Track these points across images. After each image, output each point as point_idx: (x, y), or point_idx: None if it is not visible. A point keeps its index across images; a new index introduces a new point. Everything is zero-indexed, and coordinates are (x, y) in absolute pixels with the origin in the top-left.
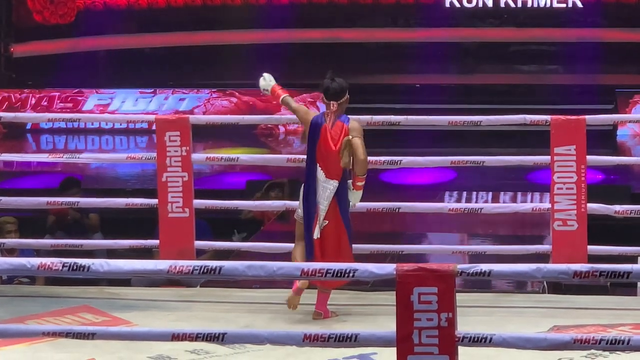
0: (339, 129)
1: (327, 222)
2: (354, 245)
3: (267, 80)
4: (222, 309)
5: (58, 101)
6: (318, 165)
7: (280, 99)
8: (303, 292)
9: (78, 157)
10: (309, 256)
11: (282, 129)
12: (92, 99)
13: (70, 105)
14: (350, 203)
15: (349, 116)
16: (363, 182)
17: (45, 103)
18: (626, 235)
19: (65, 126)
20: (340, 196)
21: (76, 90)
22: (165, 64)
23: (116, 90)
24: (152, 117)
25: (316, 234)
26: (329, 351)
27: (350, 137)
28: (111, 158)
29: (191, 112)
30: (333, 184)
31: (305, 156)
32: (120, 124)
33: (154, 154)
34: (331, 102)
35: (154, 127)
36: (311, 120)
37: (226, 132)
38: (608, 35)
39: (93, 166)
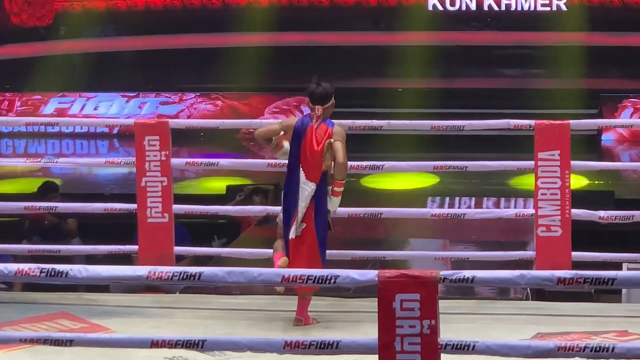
0: (323, 131)
1: (305, 225)
2: (334, 252)
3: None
4: (202, 316)
5: (19, 104)
6: (300, 166)
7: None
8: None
9: (56, 162)
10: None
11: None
12: (52, 103)
13: (30, 109)
14: (332, 211)
15: (333, 121)
16: (341, 189)
17: (5, 107)
18: (611, 241)
19: (25, 130)
20: (318, 200)
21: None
22: (144, 67)
23: (87, 93)
24: (131, 121)
25: (292, 234)
26: (310, 358)
27: (333, 140)
28: (89, 162)
29: (176, 116)
30: (311, 186)
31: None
32: (81, 128)
33: (133, 159)
34: (316, 106)
35: (114, 131)
36: (295, 123)
37: (209, 137)
38: (592, 39)
39: (57, 170)
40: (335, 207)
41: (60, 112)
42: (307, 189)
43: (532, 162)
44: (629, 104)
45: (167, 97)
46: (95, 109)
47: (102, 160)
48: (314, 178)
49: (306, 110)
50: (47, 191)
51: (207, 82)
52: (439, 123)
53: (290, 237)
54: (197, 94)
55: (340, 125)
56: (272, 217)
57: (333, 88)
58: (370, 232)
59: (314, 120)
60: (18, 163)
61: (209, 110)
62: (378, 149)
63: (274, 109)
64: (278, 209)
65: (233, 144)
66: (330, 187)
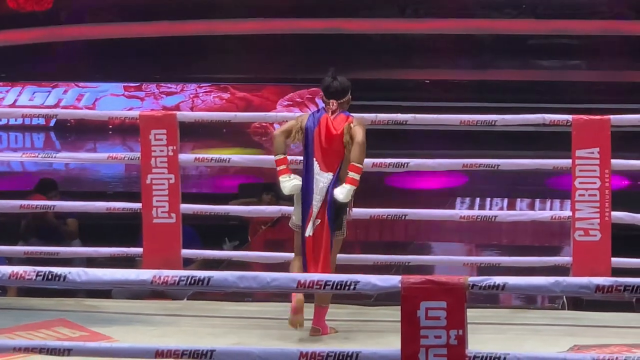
0: (341, 119)
1: (319, 220)
2: (355, 256)
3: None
4: (211, 324)
5: None
6: (314, 158)
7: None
8: (303, 308)
9: (55, 157)
10: (303, 258)
11: (278, 127)
12: None
13: None
14: (339, 200)
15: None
16: (358, 177)
17: None
18: None
19: None
20: (332, 194)
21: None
22: (151, 55)
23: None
24: (136, 113)
25: (308, 231)
26: None
27: (352, 125)
28: (90, 158)
29: (176, 107)
30: (327, 177)
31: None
32: (16, 120)
33: (137, 154)
34: (331, 100)
35: (51, 124)
36: (306, 124)
37: (216, 131)
38: (637, 28)
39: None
40: (346, 197)
41: None
42: (321, 180)
43: (570, 161)
44: None
45: (168, 87)
46: (30, 99)
47: (105, 155)
48: (330, 168)
49: (321, 103)
50: (45, 189)
51: (218, 72)
52: (469, 117)
53: (306, 235)
54: (199, 84)
55: (362, 119)
56: (286, 217)
57: (350, 83)
58: (394, 235)
59: (330, 112)
60: (13, 158)
61: (216, 103)
62: (403, 145)
63: (287, 102)
64: (292, 209)
65: (243, 139)
66: (345, 175)
